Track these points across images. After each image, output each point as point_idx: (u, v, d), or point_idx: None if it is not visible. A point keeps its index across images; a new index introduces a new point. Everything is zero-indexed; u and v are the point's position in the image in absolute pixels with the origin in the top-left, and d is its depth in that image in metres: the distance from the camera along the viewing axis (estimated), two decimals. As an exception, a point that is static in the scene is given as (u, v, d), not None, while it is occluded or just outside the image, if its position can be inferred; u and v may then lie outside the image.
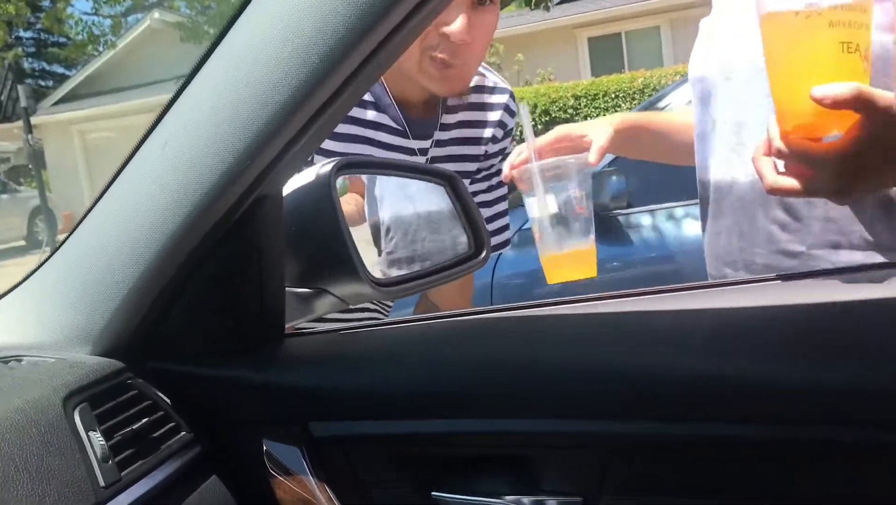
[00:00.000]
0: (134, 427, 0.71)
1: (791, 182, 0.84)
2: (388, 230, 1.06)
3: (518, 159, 1.18)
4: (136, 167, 0.74)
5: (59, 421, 0.66)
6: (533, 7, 8.59)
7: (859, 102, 0.76)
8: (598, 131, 1.21)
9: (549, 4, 8.46)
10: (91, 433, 0.67)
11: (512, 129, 1.53)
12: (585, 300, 0.83)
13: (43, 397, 0.67)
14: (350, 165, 0.90)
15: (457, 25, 1.26)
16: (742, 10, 1.06)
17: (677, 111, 1.47)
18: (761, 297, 0.78)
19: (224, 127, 0.66)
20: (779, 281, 0.82)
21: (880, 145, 0.78)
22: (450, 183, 1.05)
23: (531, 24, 14.96)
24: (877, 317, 0.69)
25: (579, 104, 10.96)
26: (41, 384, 0.69)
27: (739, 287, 0.84)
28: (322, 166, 0.83)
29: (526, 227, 3.61)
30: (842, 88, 0.75)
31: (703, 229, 1.21)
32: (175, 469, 0.74)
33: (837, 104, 0.76)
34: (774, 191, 0.86)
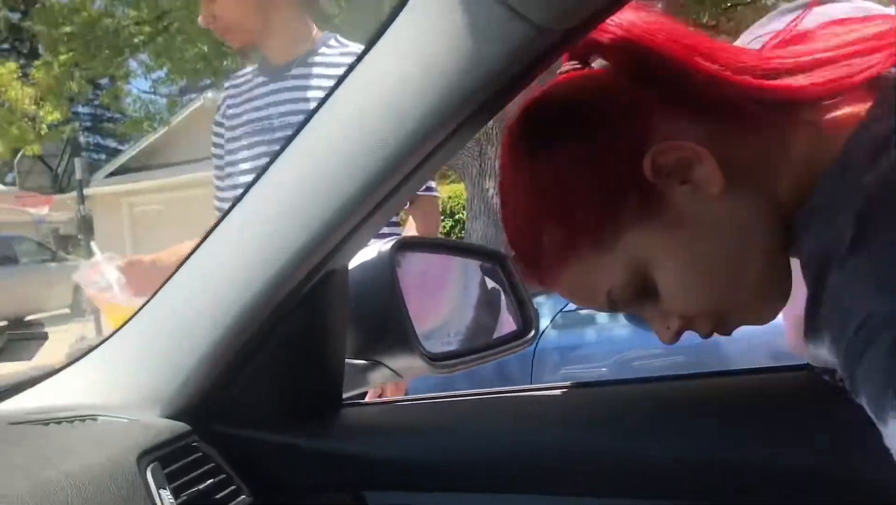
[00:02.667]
0: (200, 487, 0.74)
1: None
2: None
3: None
4: (219, 237, 0.78)
5: (134, 477, 0.69)
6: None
7: None
8: None
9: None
10: (162, 491, 0.70)
11: None
12: (614, 383, 0.87)
13: (119, 455, 0.71)
14: (409, 245, 0.96)
15: None
16: None
17: None
18: None
19: (308, 200, 0.69)
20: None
21: None
22: (499, 261, 1.10)
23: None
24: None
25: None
26: (116, 443, 0.73)
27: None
28: (384, 244, 0.88)
29: (567, 308, 3.61)
30: None
31: None
32: None
33: None
34: None
